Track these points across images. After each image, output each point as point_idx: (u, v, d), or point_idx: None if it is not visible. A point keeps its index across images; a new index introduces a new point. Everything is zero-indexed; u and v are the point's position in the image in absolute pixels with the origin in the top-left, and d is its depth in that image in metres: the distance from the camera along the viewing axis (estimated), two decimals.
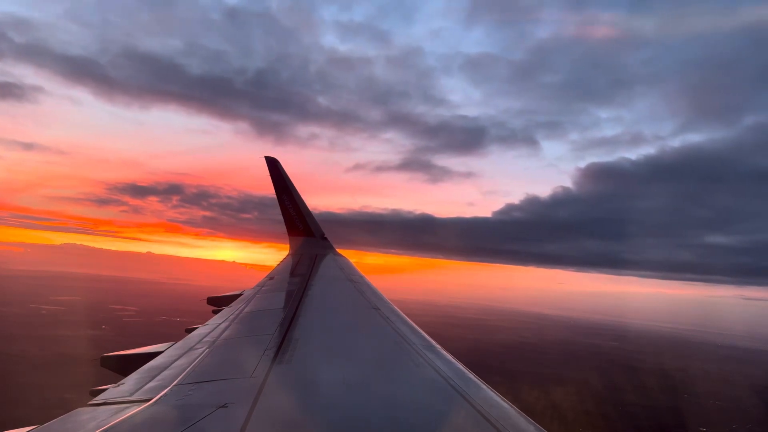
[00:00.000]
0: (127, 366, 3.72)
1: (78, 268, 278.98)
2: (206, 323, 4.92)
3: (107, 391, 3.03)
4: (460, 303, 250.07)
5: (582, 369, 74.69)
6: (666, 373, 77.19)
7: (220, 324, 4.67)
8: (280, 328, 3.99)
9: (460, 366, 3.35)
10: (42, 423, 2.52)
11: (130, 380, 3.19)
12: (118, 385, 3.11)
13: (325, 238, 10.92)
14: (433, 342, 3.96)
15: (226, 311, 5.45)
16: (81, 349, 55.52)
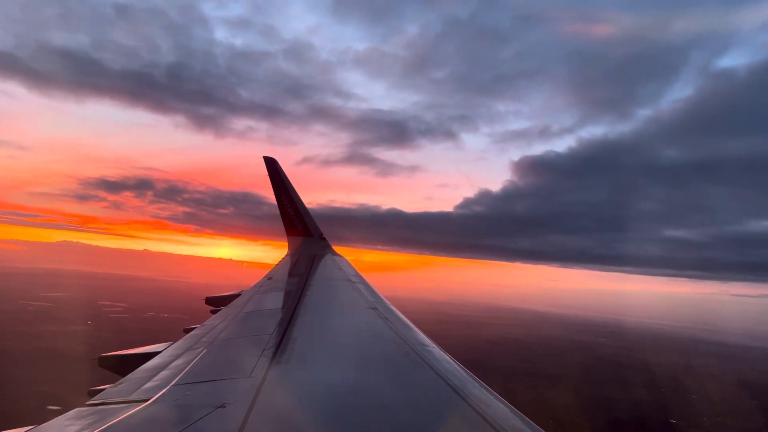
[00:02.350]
0: (125, 366, 3.71)
1: (74, 266, 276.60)
2: (204, 323, 4.91)
3: (105, 391, 3.01)
4: (453, 300, 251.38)
5: (565, 364, 75.87)
6: (648, 367, 78.53)
7: (218, 324, 4.66)
8: (279, 328, 3.98)
9: (458, 366, 3.38)
10: (33, 420, 2.51)
11: (129, 380, 3.18)
12: (117, 385, 3.10)
13: (324, 238, 10.92)
14: (431, 342, 3.99)
15: (225, 311, 5.43)
16: (63, 344, 55.62)
